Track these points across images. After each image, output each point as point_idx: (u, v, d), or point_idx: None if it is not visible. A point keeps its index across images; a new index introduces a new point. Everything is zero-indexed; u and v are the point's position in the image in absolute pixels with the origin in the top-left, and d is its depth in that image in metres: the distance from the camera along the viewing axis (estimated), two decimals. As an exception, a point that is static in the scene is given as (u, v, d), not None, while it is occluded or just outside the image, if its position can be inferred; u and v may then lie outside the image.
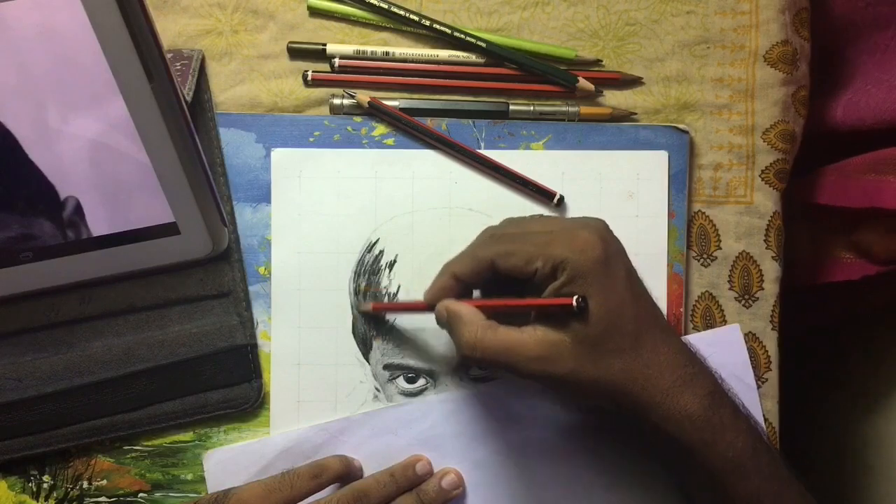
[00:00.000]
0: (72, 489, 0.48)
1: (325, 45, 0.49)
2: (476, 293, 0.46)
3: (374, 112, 0.49)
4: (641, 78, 0.50)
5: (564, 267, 0.40)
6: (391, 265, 0.49)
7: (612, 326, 0.40)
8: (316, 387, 0.49)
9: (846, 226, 0.55)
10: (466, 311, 0.42)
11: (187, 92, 0.46)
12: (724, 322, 0.50)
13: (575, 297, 0.39)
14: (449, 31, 0.49)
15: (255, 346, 0.48)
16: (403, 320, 0.49)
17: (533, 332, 0.41)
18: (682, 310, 0.49)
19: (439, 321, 0.44)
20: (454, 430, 0.49)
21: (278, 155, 0.49)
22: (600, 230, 0.41)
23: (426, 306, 0.44)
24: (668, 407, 0.40)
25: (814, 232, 0.57)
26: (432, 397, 0.49)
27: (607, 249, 0.40)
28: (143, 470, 0.48)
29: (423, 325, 0.49)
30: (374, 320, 0.49)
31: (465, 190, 0.49)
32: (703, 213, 0.50)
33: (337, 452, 0.48)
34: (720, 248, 0.50)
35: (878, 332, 0.62)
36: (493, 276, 0.43)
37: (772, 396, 0.49)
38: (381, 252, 0.49)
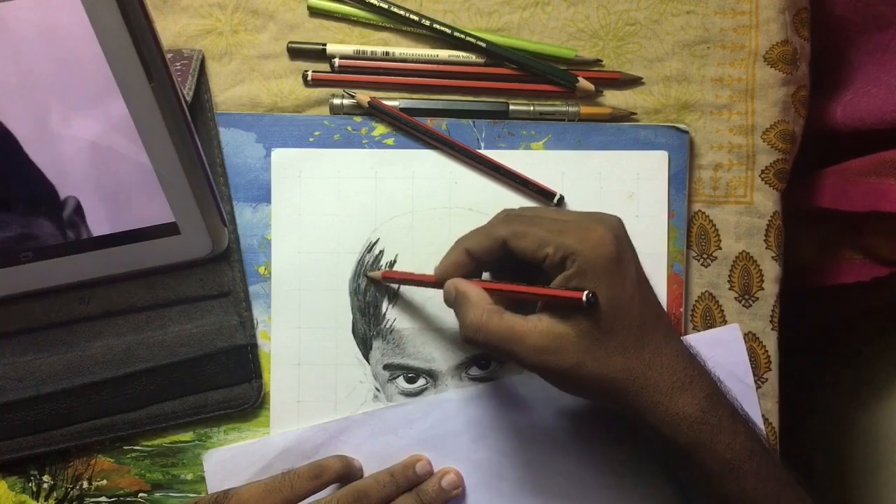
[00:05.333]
0: (72, 489, 0.48)
1: (325, 45, 0.49)
2: (486, 276, 0.46)
3: (374, 112, 0.49)
4: (641, 78, 0.50)
5: (575, 258, 0.40)
6: (391, 265, 0.49)
7: (618, 325, 0.40)
8: (316, 387, 0.49)
9: (852, 227, 0.55)
10: (474, 292, 0.42)
11: (187, 92, 0.46)
12: (724, 322, 0.50)
13: (585, 293, 0.38)
14: (449, 31, 0.49)
15: (255, 346, 0.48)
16: (403, 320, 0.49)
17: (538, 321, 0.40)
18: (682, 310, 0.49)
19: (447, 298, 0.44)
20: (454, 430, 0.49)
21: (278, 155, 0.49)
22: (615, 228, 0.41)
23: (436, 280, 0.44)
24: (665, 408, 0.40)
25: (820, 234, 0.57)
26: (432, 397, 0.49)
27: (620, 248, 0.40)
28: (143, 470, 0.48)
29: (423, 324, 0.49)
30: (372, 313, 0.49)
31: (465, 190, 0.49)
32: (703, 213, 0.50)
33: (337, 452, 0.48)
34: (720, 248, 0.50)
35: (879, 332, 0.62)
36: (504, 258, 0.42)
37: (772, 396, 0.49)
38: (381, 252, 0.49)
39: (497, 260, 0.43)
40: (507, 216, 0.44)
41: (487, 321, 0.41)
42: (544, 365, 0.40)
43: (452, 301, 0.43)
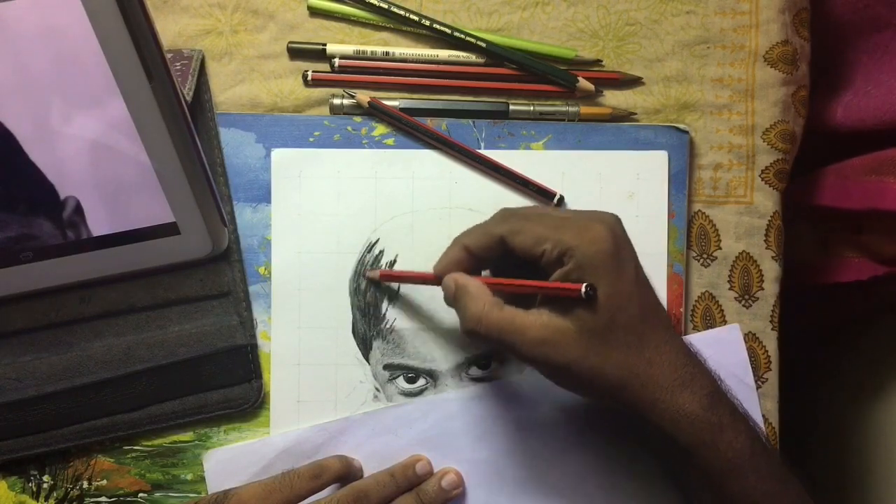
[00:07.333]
0: (72, 489, 0.48)
1: (325, 45, 0.49)
2: (486, 273, 0.46)
3: (374, 112, 0.49)
4: (641, 78, 0.50)
5: (572, 254, 0.40)
6: (391, 265, 0.49)
7: (617, 320, 0.40)
8: (316, 387, 0.49)
9: (851, 226, 0.55)
10: (474, 285, 0.42)
11: (187, 92, 0.46)
12: (724, 322, 0.50)
13: (584, 285, 0.38)
14: (449, 31, 0.49)
15: (255, 346, 0.48)
16: (403, 320, 0.49)
17: (538, 315, 0.40)
18: (682, 310, 0.49)
19: (446, 294, 0.44)
20: (454, 430, 0.49)
21: (278, 155, 0.49)
22: (612, 225, 0.41)
23: (435, 278, 0.44)
24: (666, 406, 0.40)
25: (820, 232, 0.57)
26: (432, 397, 0.49)
27: (617, 244, 0.40)
28: (143, 470, 0.48)
29: (423, 324, 0.49)
30: (372, 313, 0.49)
31: (465, 190, 0.49)
32: (703, 213, 0.50)
33: (337, 452, 0.48)
34: (720, 248, 0.50)
35: (879, 332, 0.63)
36: (503, 257, 0.43)
37: (772, 396, 0.49)
38: (381, 252, 0.49)
39: (496, 258, 0.43)
40: (505, 214, 0.44)
41: (489, 313, 0.41)
42: (544, 358, 0.40)
43: (452, 295, 0.43)
